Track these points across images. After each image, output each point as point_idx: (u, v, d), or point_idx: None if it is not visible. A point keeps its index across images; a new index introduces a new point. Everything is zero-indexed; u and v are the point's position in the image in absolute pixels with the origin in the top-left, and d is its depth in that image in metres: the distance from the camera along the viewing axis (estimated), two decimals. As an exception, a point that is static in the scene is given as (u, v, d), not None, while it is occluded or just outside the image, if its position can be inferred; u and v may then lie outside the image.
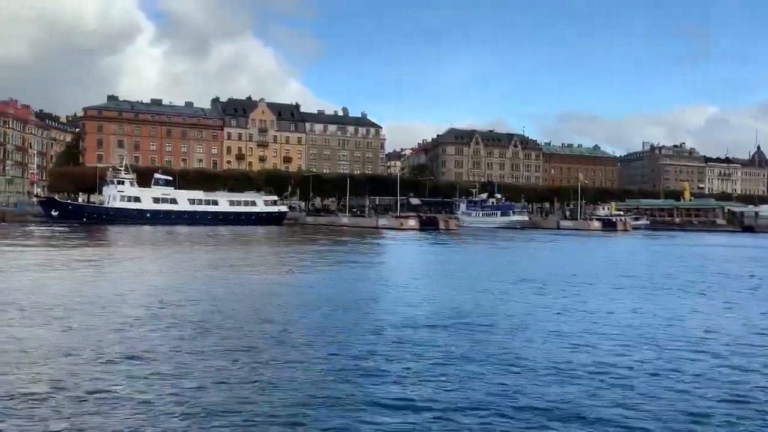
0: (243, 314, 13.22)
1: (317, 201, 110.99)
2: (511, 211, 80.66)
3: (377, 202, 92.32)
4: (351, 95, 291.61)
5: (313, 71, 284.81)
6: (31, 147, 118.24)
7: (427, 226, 67.05)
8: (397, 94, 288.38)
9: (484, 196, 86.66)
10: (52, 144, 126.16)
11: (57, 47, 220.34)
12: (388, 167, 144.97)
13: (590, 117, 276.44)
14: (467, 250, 38.94)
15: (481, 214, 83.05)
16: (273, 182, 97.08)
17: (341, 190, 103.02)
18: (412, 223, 66.89)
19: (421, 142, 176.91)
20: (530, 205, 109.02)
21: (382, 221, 70.07)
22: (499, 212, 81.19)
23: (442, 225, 67.79)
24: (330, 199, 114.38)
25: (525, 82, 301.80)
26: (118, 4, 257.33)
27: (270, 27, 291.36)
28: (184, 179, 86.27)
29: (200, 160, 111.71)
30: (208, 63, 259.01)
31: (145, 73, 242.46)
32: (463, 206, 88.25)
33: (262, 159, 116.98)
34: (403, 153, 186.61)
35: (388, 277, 21.50)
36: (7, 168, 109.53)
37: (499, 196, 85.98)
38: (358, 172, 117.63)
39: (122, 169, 75.21)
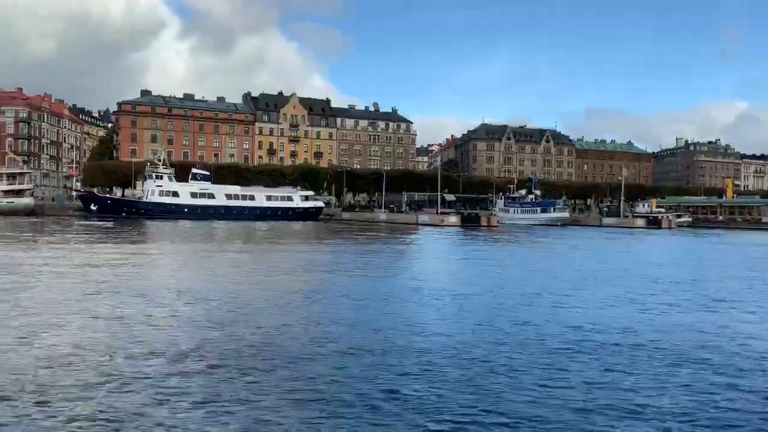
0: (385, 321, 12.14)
1: (348, 197, 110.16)
2: (551, 208, 78.76)
3: (414, 198, 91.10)
4: (375, 91, 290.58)
5: (336, 67, 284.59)
6: (65, 141, 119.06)
7: (469, 222, 65.69)
8: (420, 91, 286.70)
9: (523, 192, 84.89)
10: (85, 138, 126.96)
11: (84, 43, 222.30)
12: (416, 163, 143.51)
13: (617, 113, 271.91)
14: (538, 249, 37.41)
15: (519, 211, 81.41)
16: (306, 177, 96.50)
17: (374, 186, 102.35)
18: (453, 219, 65.59)
19: (449, 137, 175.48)
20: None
21: (423, 218, 68.86)
22: (539, 209, 79.40)
23: (483, 222, 66.37)
24: (360, 195, 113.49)
25: (550, 79, 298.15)
26: (144, 0, 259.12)
27: (294, 22, 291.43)
28: (217, 174, 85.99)
29: (232, 155, 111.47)
30: (233, 58, 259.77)
31: (171, 68, 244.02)
32: (500, 202, 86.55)
33: (293, 154, 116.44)
34: (430, 149, 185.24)
35: (498, 282, 20.16)
36: (42, 162, 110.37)
37: (538, 192, 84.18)
38: (389, 167, 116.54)
39: (160, 163, 75.01)
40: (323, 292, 15.68)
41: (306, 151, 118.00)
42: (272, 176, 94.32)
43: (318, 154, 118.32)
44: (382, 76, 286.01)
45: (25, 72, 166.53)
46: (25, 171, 76.07)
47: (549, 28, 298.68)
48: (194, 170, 76.59)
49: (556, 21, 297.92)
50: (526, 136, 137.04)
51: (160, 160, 75.75)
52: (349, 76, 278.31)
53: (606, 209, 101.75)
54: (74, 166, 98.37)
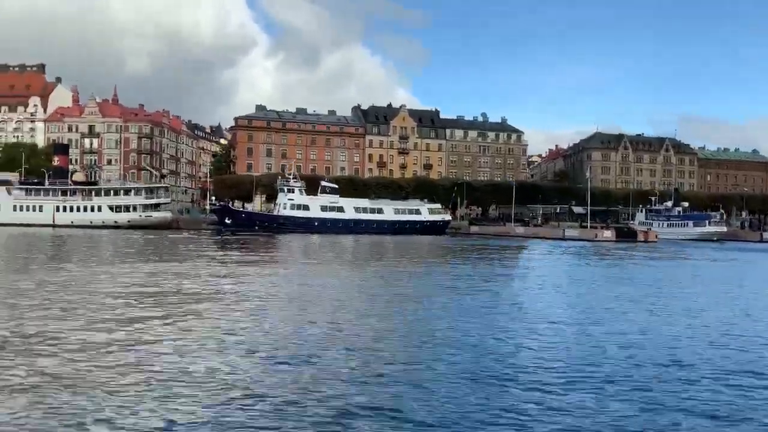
0: None
1: (460, 210, 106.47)
2: (706, 222, 72.10)
3: (556, 211, 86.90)
4: (458, 102, 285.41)
5: (420, 79, 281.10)
6: (182, 156, 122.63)
7: (625, 237, 60.72)
8: (506, 101, 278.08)
9: (669, 204, 78.36)
10: (200, 153, 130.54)
11: (177, 61, 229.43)
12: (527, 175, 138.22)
13: (712, 121, 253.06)
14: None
15: (665, 225, 75.07)
16: (421, 190, 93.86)
17: (491, 198, 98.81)
18: (608, 234, 60.92)
19: (552, 147, 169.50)
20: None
21: (570, 232, 64.40)
22: (690, 222, 72.89)
23: (640, 237, 61.20)
24: (471, 207, 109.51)
25: (640, 85, 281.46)
26: (235, 19, 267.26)
27: (378, 36, 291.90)
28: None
29: (343, 168, 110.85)
30: (319, 73, 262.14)
31: (260, 84, 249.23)
32: (640, 215, 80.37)
33: (402, 166, 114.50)
34: (530, 159, 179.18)
35: None
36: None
37: (686, 204, 77.63)
38: (499, 179, 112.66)
39: (291, 176, 74.54)
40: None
41: (415, 163, 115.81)
42: (388, 189, 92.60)
43: (427, 166, 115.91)
44: (466, 87, 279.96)
45: (123, 89, 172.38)
46: (162, 185, 77.54)
47: (638, 34, 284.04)
48: (323, 183, 75.66)
49: (645, 27, 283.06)
50: (644, 144, 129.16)
51: (290, 173, 75.32)
52: (433, 88, 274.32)
53: (747, 222, 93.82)
54: (208, 180, 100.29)
